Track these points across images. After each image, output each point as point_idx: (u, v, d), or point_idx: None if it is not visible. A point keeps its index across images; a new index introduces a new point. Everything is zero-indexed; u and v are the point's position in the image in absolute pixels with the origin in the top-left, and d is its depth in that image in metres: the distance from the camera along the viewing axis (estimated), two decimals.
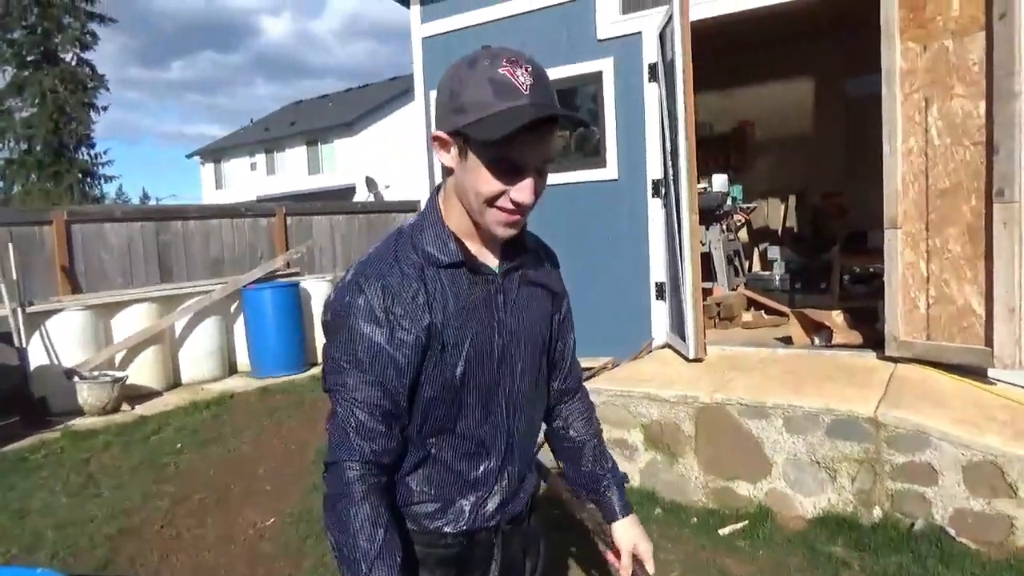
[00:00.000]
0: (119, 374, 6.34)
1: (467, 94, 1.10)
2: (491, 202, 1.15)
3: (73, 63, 28.72)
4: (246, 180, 34.48)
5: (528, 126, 1.06)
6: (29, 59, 27.88)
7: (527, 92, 1.08)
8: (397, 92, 29.74)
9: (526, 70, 1.10)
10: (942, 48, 3.90)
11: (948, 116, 3.89)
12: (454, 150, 1.16)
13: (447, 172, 1.22)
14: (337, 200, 23.44)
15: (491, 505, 1.33)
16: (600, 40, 5.43)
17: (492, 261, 1.27)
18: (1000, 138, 3.65)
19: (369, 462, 1.17)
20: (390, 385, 1.18)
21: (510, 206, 1.15)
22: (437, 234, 1.23)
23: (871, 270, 5.85)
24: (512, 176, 1.13)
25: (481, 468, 1.31)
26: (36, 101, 27.68)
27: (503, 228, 1.19)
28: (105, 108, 29.99)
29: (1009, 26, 3.57)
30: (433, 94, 6.42)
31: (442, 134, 1.17)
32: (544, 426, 1.53)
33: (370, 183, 20.64)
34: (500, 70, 1.09)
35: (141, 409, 6.29)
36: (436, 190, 1.29)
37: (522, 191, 1.14)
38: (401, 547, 1.17)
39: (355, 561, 1.12)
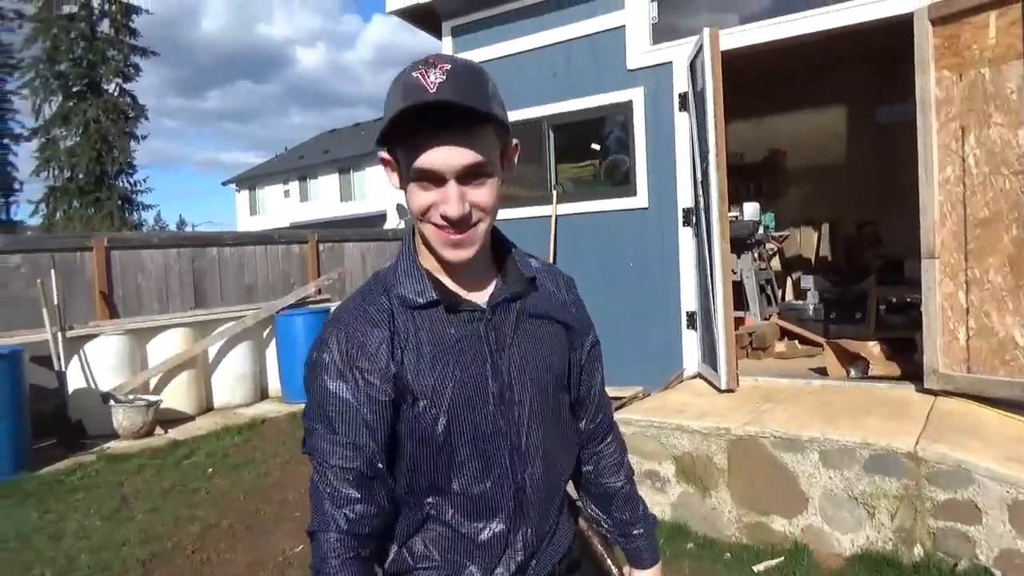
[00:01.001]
0: (153, 398, 6.43)
1: (387, 103, 1.03)
2: (424, 217, 1.06)
3: (116, 94, 29.64)
4: (280, 207, 35.08)
5: (430, 126, 0.98)
6: (74, 90, 28.85)
7: (433, 90, 0.97)
8: None
9: (442, 69, 0.99)
10: (979, 76, 3.85)
11: (986, 145, 3.83)
12: (399, 169, 1.08)
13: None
14: (368, 227, 23.71)
15: (505, 572, 1.17)
16: (631, 70, 5.46)
17: (481, 296, 1.15)
18: None
19: (345, 532, 1.08)
20: (363, 445, 1.07)
21: (441, 221, 1.04)
22: (409, 273, 1.12)
23: (908, 300, 5.74)
24: (436, 186, 1.03)
25: (487, 531, 1.15)
26: (80, 131, 28.56)
27: (447, 249, 1.07)
28: (145, 137, 30.87)
29: None
30: None
31: (384, 154, 1.09)
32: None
33: (400, 210, 20.82)
34: (414, 73, 1.00)
35: (174, 433, 6.36)
36: (414, 226, 1.14)
37: (446, 202, 1.02)
38: None
39: None
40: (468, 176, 1.03)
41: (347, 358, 1.07)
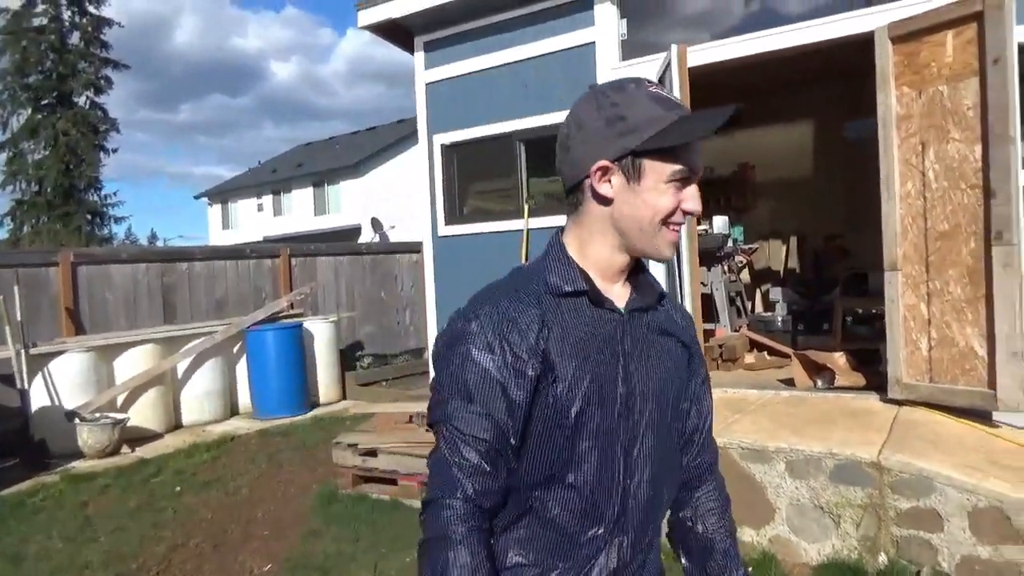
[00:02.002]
0: (119, 416, 6.32)
1: (635, 114, 1.09)
2: (666, 219, 1.12)
3: (86, 106, 29.26)
4: (253, 221, 34.77)
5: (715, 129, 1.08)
6: (43, 103, 28.44)
7: (679, 104, 1.12)
8: (403, 135, 30.12)
9: (666, 88, 1.16)
10: (937, 93, 3.95)
11: (945, 160, 3.93)
12: (617, 178, 1.11)
13: (603, 203, 1.13)
14: (343, 241, 23.60)
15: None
16: None
17: (618, 302, 1.17)
18: (996, 182, 3.68)
19: (472, 502, 1.07)
20: (499, 418, 1.08)
21: (681, 220, 1.14)
22: (559, 264, 1.16)
23: (873, 312, 5.84)
24: (683, 186, 1.12)
25: (588, 532, 1.13)
26: (48, 144, 28.14)
27: (671, 248, 1.16)
28: (115, 150, 30.46)
29: (1002, 71, 3.63)
30: (437, 137, 6.52)
31: (606, 162, 1.11)
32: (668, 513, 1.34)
33: (375, 224, 20.82)
34: (652, 89, 1.11)
35: (141, 451, 6.26)
36: (559, 232, 1.21)
37: (694, 198, 1.13)
38: None
39: None
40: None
41: (497, 330, 1.09)
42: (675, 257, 4.75)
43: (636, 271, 1.23)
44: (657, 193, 1.10)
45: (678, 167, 1.10)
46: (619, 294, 1.19)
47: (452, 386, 1.10)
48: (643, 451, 1.17)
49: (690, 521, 1.34)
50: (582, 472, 1.12)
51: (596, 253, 1.16)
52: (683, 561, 1.36)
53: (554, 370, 1.09)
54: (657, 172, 1.10)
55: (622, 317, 1.16)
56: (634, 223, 1.12)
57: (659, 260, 1.18)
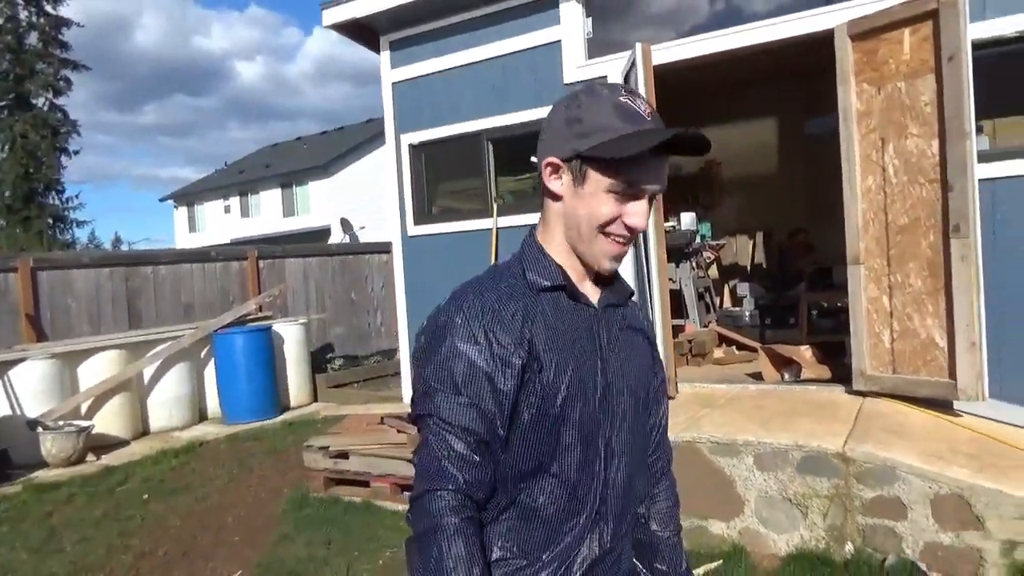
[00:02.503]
0: (84, 424, 6.20)
1: (592, 119, 1.11)
2: (604, 228, 1.13)
3: (45, 108, 28.62)
4: (220, 223, 34.30)
5: (655, 149, 1.07)
6: (0, 105, 27.74)
7: (649, 118, 1.11)
8: (372, 134, 29.91)
9: (644, 101, 1.13)
10: (896, 89, 4.03)
11: (904, 155, 4.01)
12: (567, 176, 1.14)
13: (554, 199, 1.18)
14: (313, 242, 23.39)
15: (578, 570, 1.16)
16: (567, 84, 5.54)
17: (592, 298, 1.21)
18: (953, 176, 3.77)
19: (463, 492, 1.07)
20: (486, 409, 1.08)
21: (623, 232, 1.14)
22: (537, 260, 1.19)
23: (838, 305, 5.94)
24: (628, 200, 1.12)
25: (571, 522, 1.16)
26: (6, 146, 27.46)
27: (609, 260, 1.16)
28: (76, 152, 29.84)
29: (957, 69, 3.71)
30: (404, 137, 6.49)
31: (556, 160, 1.14)
32: None
33: (345, 224, 20.65)
34: (621, 98, 1.11)
35: (107, 459, 6.14)
36: (531, 229, 1.25)
37: (638, 215, 1.12)
38: None
39: None
40: (653, 197, 1.15)
41: (482, 322, 1.10)
42: (644, 254, 4.79)
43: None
44: (596, 200, 1.12)
45: (616, 180, 1.11)
46: (591, 290, 1.22)
47: (438, 378, 1.10)
48: (620, 442, 1.20)
49: (643, 518, 1.37)
50: (566, 462, 1.14)
51: (557, 248, 1.19)
52: (632, 559, 1.38)
53: (539, 359, 1.11)
54: (597, 180, 1.12)
55: (597, 312, 1.20)
56: (575, 224, 1.16)
57: (599, 270, 1.18)
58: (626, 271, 5.29)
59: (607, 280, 1.24)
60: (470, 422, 1.08)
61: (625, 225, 1.13)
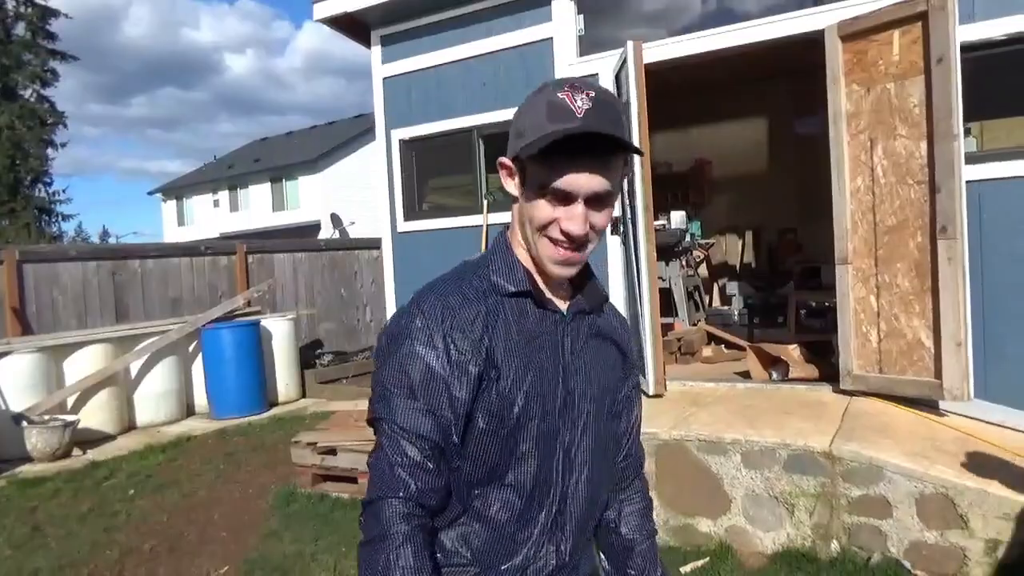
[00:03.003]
0: (70, 418, 6.15)
1: (525, 118, 1.09)
2: (543, 230, 1.10)
3: (32, 99, 28.36)
4: (209, 217, 34.10)
5: (572, 149, 1.02)
6: None
7: (580, 115, 1.03)
8: (362, 129, 29.82)
9: (587, 95, 1.05)
10: (885, 91, 4.05)
11: (892, 156, 4.03)
12: (517, 177, 1.13)
13: (514, 199, 1.17)
14: (302, 237, 23.32)
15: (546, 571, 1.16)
16: None
17: (560, 304, 1.19)
18: (941, 177, 3.79)
19: (414, 499, 1.06)
20: (442, 415, 1.07)
21: (560, 236, 1.09)
22: (505, 262, 1.16)
23: (826, 304, 5.98)
24: (562, 203, 1.07)
25: (526, 531, 1.14)
26: None
27: (554, 265, 1.12)
28: (64, 145, 29.64)
29: (946, 70, 3.73)
30: (395, 132, 6.48)
31: (506, 160, 1.14)
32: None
33: (335, 220, 20.61)
34: (559, 94, 1.06)
35: (93, 454, 6.10)
36: (505, 227, 1.23)
37: (570, 219, 1.07)
38: None
39: None
40: (594, 200, 1.07)
41: (441, 326, 1.08)
42: (633, 252, 4.80)
43: (583, 273, 1.22)
44: (533, 202, 1.10)
45: (544, 182, 1.07)
46: (561, 295, 1.20)
47: (395, 382, 1.09)
48: (582, 452, 1.18)
49: (613, 523, 1.36)
50: (522, 472, 1.13)
51: (524, 250, 1.18)
52: (603, 564, 1.37)
53: (497, 367, 1.09)
54: (530, 181, 1.10)
55: (564, 319, 1.18)
56: (523, 226, 1.14)
57: (548, 273, 1.15)
58: (615, 270, 5.30)
59: (580, 283, 1.21)
60: (425, 429, 1.07)
61: (561, 230, 1.09)
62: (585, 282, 1.22)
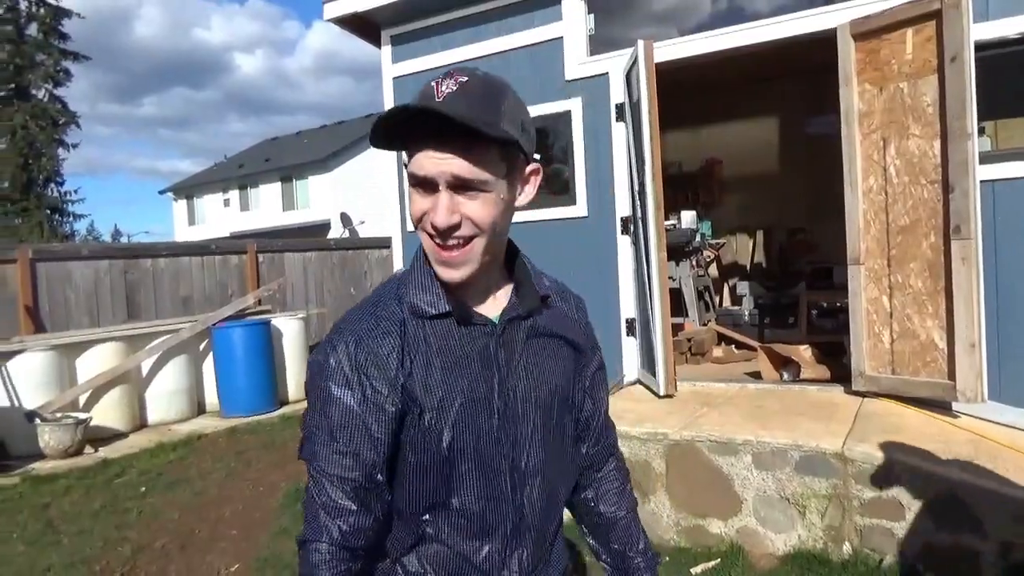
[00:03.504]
0: (82, 416, 6.19)
1: None
2: (421, 226, 1.05)
3: (45, 99, 28.57)
4: (220, 216, 34.28)
5: (426, 133, 0.97)
6: (0, 95, 27.69)
7: (441, 99, 0.97)
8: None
9: (456, 80, 0.99)
10: (898, 90, 4.02)
11: (905, 155, 4.00)
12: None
13: None
14: (312, 236, 23.38)
15: None
16: (569, 80, 5.53)
17: (493, 310, 1.12)
18: (955, 177, 3.76)
19: (337, 545, 1.06)
20: (363, 455, 1.05)
21: (429, 229, 1.03)
22: (422, 281, 1.10)
23: (838, 305, 5.94)
24: (429, 193, 1.01)
25: (483, 550, 1.12)
26: (5, 137, 27.42)
27: (439, 266, 1.06)
28: (75, 145, 29.89)
29: (960, 69, 3.70)
30: None
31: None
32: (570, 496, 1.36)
33: (345, 219, 20.66)
34: (432, 81, 1.01)
35: (105, 451, 6.14)
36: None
37: (432, 209, 1.01)
38: None
39: None
40: (460, 187, 1.00)
41: (355, 364, 1.05)
42: (644, 252, 4.78)
43: (520, 270, 1.17)
44: (410, 197, 1.06)
45: (409, 171, 1.03)
46: (492, 301, 1.14)
47: (316, 424, 1.07)
48: (531, 462, 1.14)
49: (592, 502, 1.36)
50: (465, 494, 1.10)
51: None
52: (589, 540, 1.39)
53: (418, 403, 1.06)
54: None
55: (495, 329, 1.11)
56: None
57: (439, 279, 1.09)
58: (625, 269, 5.29)
59: (521, 280, 1.15)
60: (345, 471, 1.05)
61: (430, 223, 1.03)
62: (524, 282, 1.16)
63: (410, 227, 6.51)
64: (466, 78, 1.00)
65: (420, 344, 1.07)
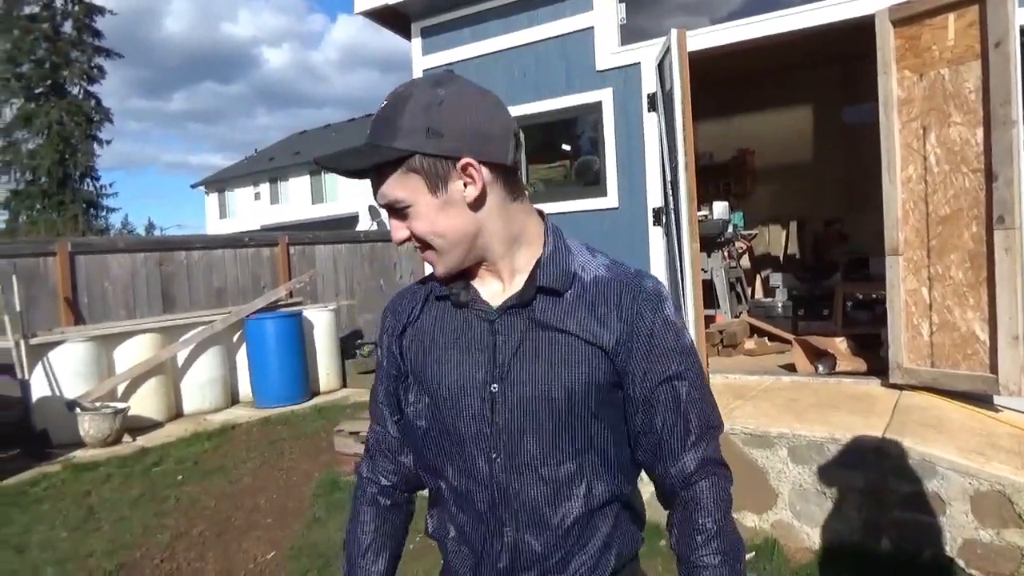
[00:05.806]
0: (120, 405, 6.32)
1: None
2: None
3: (79, 96, 29.08)
4: (250, 209, 34.69)
5: (345, 169, 1.09)
6: (37, 92, 28.25)
7: (368, 130, 1.08)
8: None
9: (382, 103, 1.07)
10: (938, 77, 3.93)
11: (946, 143, 3.91)
12: None
13: None
14: (341, 229, 23.54)
15: (501, 565, 1.14)
16: (600, 71, 5.48)
17: (499, 298, 1.13)
18: (998, 165, 3.67)
19: (369, 479, 1.29)
20: (380, 406, 1.27)
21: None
22: None
23: (874, 296, 5.84)
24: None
25: (469, 525, 1.16)
26: (42, 133, 27.98)
27: (426, 262, 1.17)
28: (109, 141, 30.33)
29: (1004, 54, 3.61)
30: None
31: None
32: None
33: (373, 212, 20.71)
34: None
35: (142, 440, 6.26)
36: None
37: (392, 228, 1.13)
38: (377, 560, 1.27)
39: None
40: (393, 211, 1.09)
41: (387, 325, 1.25)
42: (676, 244, 4.74)
43: (537, 262, 1.13)
44: None
45: None
46: (503, 290, 1.14)
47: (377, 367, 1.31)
48: (521, 453, 1.10)
49: (673, 537, 1.16)
50: (455, 469, 1.16)
51: None
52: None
53: (408, 361, 1.20)
54: None
55: (492, 315, 1.11)
56: None
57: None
58: (657, 261, 5.25)
59: (532, 274, 1.11)
60: (375, 417, 1.30)
61: None
62: (536, 271, 1.12)
63: None
64: (386, 101, 1.07)
65: (428, 316, 1.19)
